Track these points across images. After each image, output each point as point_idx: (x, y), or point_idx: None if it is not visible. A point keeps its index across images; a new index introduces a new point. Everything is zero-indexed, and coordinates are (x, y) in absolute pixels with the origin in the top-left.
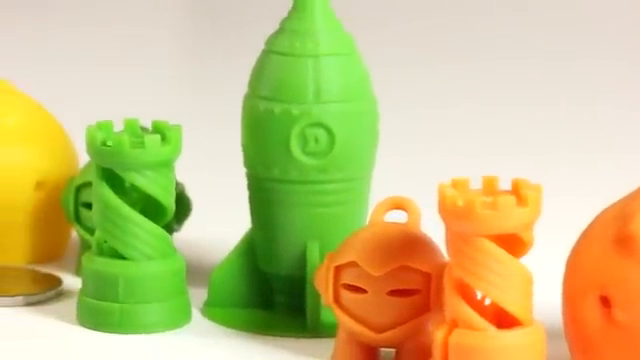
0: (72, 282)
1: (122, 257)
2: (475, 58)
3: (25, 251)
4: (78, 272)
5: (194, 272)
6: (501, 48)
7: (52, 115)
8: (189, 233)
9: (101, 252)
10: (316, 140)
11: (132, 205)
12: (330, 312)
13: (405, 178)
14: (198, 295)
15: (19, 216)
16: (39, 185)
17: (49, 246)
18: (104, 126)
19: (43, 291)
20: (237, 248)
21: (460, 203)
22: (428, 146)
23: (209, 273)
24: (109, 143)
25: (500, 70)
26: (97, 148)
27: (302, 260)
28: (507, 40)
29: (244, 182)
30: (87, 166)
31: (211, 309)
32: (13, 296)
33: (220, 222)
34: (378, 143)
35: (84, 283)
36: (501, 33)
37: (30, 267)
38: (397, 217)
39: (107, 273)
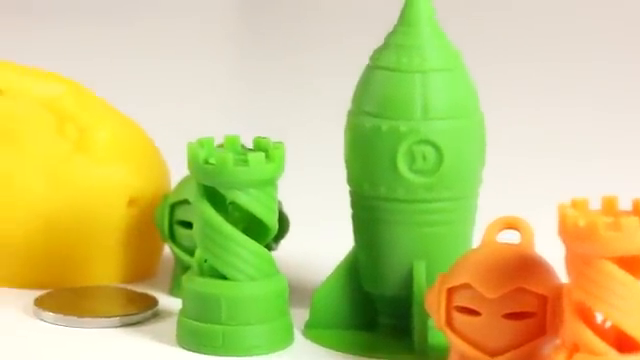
0: (167, 302)
1: (223, 277)
2: (588, 75)
3: (117, 270)
4: (172, 291)
5: (293, 292)
6: (612, 60)
7: (143, 130)
8: (288, 252)
9: (202, 272)
10: (424, 158)
11: (234, 224)
12: (437, 334)
13: (508, 197)
14: (298, 316)
15: (112, 234)
16: (132, 202)
17: (141, 264)
18: (205, 143)
19: (140, 311)
20: (339, 268)
21: (582, 224)
22: (533, 163)
23: (309, 293)
24: (212, 161)
25: (615, 84)
26: (200, 166)
27: (408, 280)
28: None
29: (340, 199)
30: (182, 183)
31: (313, 330)
32: (109, 317)
33: (320, 240)
34: (485, 160)
35: (184, 304)
36: (604, 41)
37: (124, 287)
38: (509, 237)
39: (208, 294)
